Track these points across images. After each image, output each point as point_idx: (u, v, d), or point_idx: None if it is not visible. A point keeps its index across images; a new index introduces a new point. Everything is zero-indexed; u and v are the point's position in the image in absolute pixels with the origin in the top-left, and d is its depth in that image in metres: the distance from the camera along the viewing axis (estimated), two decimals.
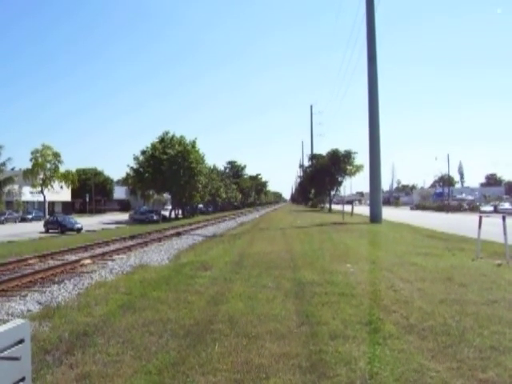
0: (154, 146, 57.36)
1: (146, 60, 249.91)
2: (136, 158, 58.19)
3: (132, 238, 27.89)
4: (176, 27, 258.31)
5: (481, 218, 13.69)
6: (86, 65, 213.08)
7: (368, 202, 40.07)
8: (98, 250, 20.87)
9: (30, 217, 63.55)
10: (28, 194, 69.53)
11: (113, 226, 46.62)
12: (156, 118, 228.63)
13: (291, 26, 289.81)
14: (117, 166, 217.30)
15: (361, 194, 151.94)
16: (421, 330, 5.93)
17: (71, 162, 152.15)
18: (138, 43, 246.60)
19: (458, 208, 72.78)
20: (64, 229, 38.43)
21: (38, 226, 43.17)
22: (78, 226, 39.13)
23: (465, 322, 6.23)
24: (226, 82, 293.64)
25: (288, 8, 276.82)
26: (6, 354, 1.75)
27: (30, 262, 17.06)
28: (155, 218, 54.76)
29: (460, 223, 32.41)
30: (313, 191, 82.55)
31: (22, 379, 1.96)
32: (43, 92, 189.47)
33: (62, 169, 72.53)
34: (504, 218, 12.97)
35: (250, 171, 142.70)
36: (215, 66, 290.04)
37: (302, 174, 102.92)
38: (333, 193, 66.92)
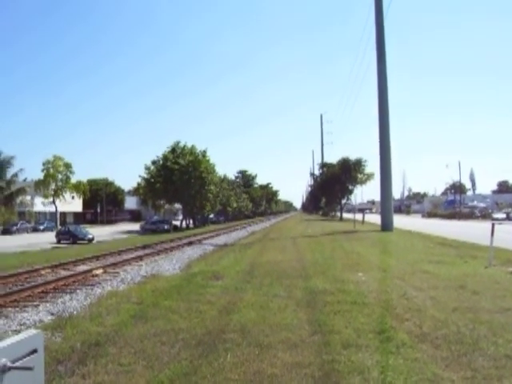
0: (165, 156, 57.61)
1: (155, 68, 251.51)
2: (147, 168, 58.53)
3: (143, 247, 27.93)
4: (184, 36, 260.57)
5: (493, 225, 13.58)
6: (95, 74, 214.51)
7: (379, 210, 39.87)
8: (110, 260, 20.92)
9: (41, 227, 64.12)
10: (40, 204, 70.12)
11: (124, 236, 46.85)
12: (165, 127, 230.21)
13: (300, 35, 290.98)
14: (127, 176, 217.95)
15: (372, 202, 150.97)
16: (434, 339, 5.88)
17: (81, 172, 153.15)
18: (146, 52, 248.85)
19: (469, 215, 72.22)
20: (76, 239, 38.70)
21: (50, 237, 43.48)
22: (90, 236, 39.42)
23: (478, 330, 6.16)
24: (235, 91, 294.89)
25: (297, 16, 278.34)
26: (19, 363, 1.76)
27: (42, 272, 17.14)
28: (166, 227, 54.95)
29: (472, 231, 32.10)
30: (324, 200, 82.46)
31: None
32: (52, 101, 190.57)
33: (74, 179, 73.27)
34: None
35: (260, 180, 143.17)
36: (224, 74, 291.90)
37: (312, 182, 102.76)
38: (344, 201, 66.80)
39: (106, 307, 9.08)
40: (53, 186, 69.01)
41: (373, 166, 62.26)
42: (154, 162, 58.69)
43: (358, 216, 46.10)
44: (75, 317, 8.56)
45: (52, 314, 9.84)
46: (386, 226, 30.42)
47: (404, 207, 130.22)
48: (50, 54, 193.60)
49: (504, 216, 62.59)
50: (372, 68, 31.92)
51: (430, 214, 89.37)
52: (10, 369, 1.68)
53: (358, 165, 58.34)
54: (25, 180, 62.77)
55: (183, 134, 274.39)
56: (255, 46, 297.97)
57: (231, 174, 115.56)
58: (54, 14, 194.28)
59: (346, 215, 66.60)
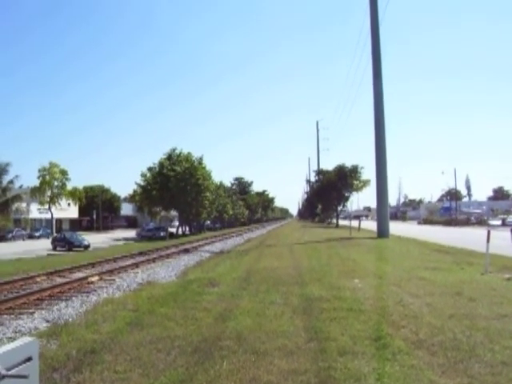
0: (161, 163, 57.58)
1: (150, 74, 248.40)
2: (143, 175, 58.46)
3: (139, 254, 27.90)
4: (180, 40, 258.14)
5: (489, 231, 13.61)
6: (90, 80, 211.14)
7: (375, 216, 39.92)
8: (106, 267, 20.87)
9: (37, 234, 63.96)
10: (35, 211, 69.97)
11: (120, 243, 46.72)
12: (161, 133, 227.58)
13: (299, 36, 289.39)
14: (123, 182, 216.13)
15: (368, 209, 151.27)
16: (430, 346, 5.87)
17: (77, 178, 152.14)
18: (142, 57, 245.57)
19: (465, 222, 72.41)
20: (71, 246, 38.62)
21: (46, 244, 43.34)
22: (85, 243, 39.34)
23: (475, 336, 6.16)
24: (231, 97, 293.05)
25: (293, 22, 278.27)
26: (14, 371, 1.75)
27: (38, 279, 17.08)
28: (162, 234, 54.85)
29: (468, 237, 32.18)
30: (320, 207, 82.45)
31: None
32: (48, 108, 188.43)
33: (70, 186, 73.24)
34: None
35: (256, 187, 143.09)
36: (220, 80, 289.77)
37: (308, 189, 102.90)
38: (340, 208, 66.75)
39: (101, 314, 9.04)
40: (49, 193, 69.11)
41: (369, 172, 62.26)
42: (150, 169, 58.66)
43: (354, 223, 46.14)
44: (71, 324, 8.53)
45: (47, 322, 9.80)
46: (382, 232, 30.46)
47: (400, 214, 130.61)
48: (45, 60, 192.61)
49: (499, 222, 62.80)
50: (369, 72, 31.85)
51: (426, 221, 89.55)
52: (4, 377, 1.67)
53: (354, 172, 58.27)
54: (21, 187, 62.58)
55: (180, 139, 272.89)
56: (255, 48, 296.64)
57: (227, 181, 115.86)
58: (52, 16, 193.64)
59: (342, 222, 66.53)
